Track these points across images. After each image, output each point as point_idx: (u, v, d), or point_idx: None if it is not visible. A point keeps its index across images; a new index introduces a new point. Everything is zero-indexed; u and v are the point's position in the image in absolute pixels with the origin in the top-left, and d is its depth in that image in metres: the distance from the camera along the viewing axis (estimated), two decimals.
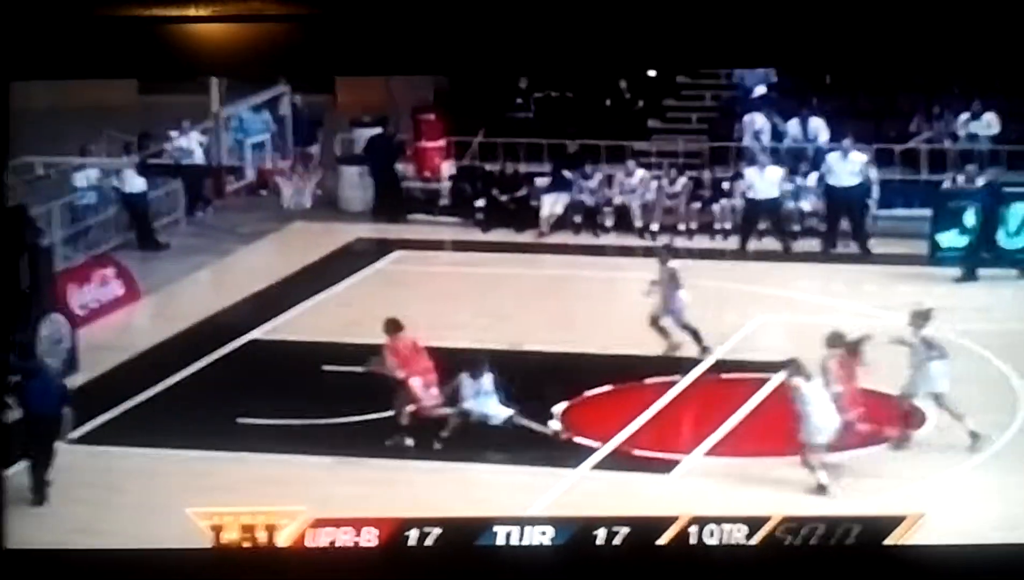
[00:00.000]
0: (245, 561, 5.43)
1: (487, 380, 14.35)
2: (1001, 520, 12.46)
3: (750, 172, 19.62)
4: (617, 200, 20.31)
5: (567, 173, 20.63)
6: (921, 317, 14.17)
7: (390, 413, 14.52)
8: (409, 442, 14.07)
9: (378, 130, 21.57)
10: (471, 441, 14.09)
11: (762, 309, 17.36)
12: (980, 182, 19.28)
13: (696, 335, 15.80)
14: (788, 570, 4.62)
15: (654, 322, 15.56)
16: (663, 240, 20.02)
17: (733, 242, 19.65)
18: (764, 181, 19.42)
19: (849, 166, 19.32)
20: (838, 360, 13.69)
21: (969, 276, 17.82)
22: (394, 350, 14.58)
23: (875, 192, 19.55)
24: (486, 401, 14.26)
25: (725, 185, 19.92)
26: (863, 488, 13.23)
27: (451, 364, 14.64)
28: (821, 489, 12.95)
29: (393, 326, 14.74)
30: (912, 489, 13.16)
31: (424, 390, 14.40)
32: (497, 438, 14.15)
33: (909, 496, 13.01)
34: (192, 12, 7.30)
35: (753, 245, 19.34)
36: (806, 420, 13.22)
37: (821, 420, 13.29)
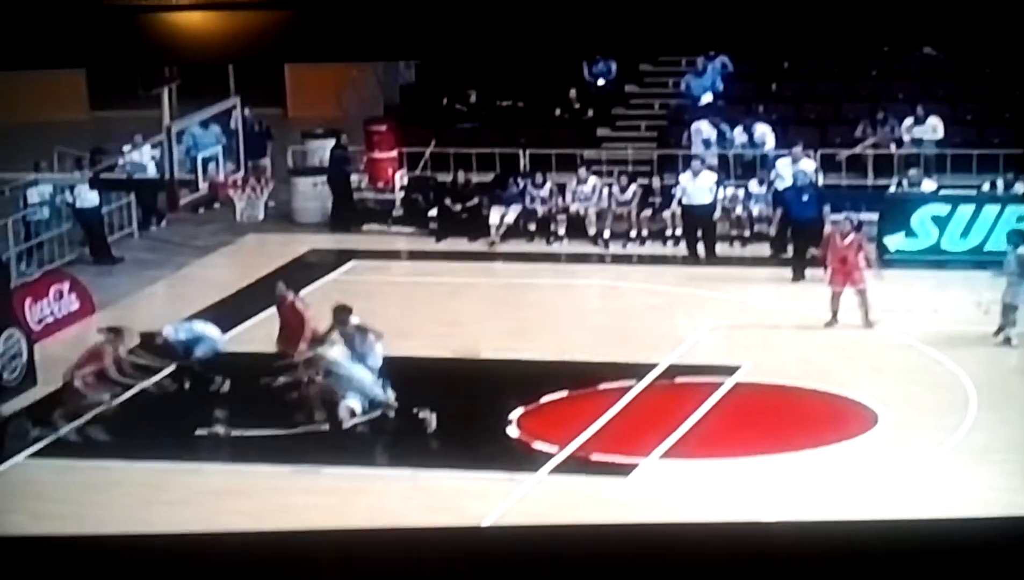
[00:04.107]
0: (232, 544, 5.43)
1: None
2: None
3: (684, 178, 19.85)
4: (572, 208, 20.48)
5: (517, 182, 20.78)
6: (343, 311, 15.07)
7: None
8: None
9: (333, 142, 21.64)
10: (422, 446, 14.17)
11: (714, 314, 17.57)
12: (925, 185, 19.63)
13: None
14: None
15: None
16: (615, 246, 20.23)
17: (684, 248, 19.87)
18: (696, 187, 19.62)
19: (800, 174, 19.52)
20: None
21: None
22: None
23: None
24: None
25: (675, 192, 20.13)
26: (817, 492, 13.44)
27: None
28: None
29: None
30: (868, 490, 13.38)
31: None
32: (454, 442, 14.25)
33: (865, 498, 13.23)
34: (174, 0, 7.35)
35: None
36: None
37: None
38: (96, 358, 14.66)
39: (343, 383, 14.41)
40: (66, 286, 17.96)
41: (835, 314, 16.76)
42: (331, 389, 14.43)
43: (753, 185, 20.15)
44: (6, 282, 16.70)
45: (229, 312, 17.58)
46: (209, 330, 15.54)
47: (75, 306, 17.89)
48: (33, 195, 19.79)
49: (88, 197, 19.72)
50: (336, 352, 14.57)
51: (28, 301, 17.27)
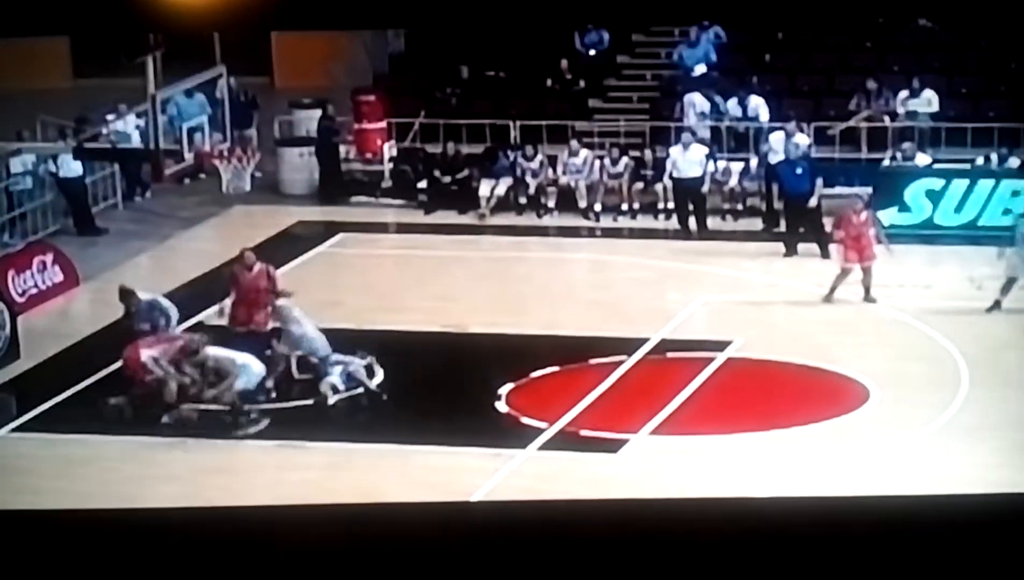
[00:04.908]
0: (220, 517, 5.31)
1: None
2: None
3: (674, 151, 19.63)
4: (562, 180, 20.28)
5: (507, 154, 20.57)
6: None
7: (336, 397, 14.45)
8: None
9: (320, 112, 21.37)
10: (410, 421, 14.02)
11: (705, 288, 17.43)
12: (919, 159, 19.46)
13: None
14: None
15: None
16: (606, 220, 20.05)
17: (675, 222, 19.68)
18: (687, 160, 19.42)
19: (792, 147, 19.35)
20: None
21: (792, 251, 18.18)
22: None
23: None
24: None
25: (666, 164, 19.91)
26: (810, 468, 13.33)
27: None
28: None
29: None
30: (859, 466, 13.28)
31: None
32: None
33: (856, 474, 13.13)
34: None
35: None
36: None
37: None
38: (183, 351, 14.31)
39: (231, 367, 14.03)
40: (49, 257, 17.76)
41: (834, 290, 16.63)
42: (220, 379, 14.03)
43: (754, 160, 19.95)
44: None
45: (212, 285, 17.37)
46: (173, 311, 15.23)
47: (59, 278, 17.69)
48: (16, 165, 19.53)
49: (71, 167, 19.47)
50: (213, 350, 14.16)
51: (11, 273, 17.06)
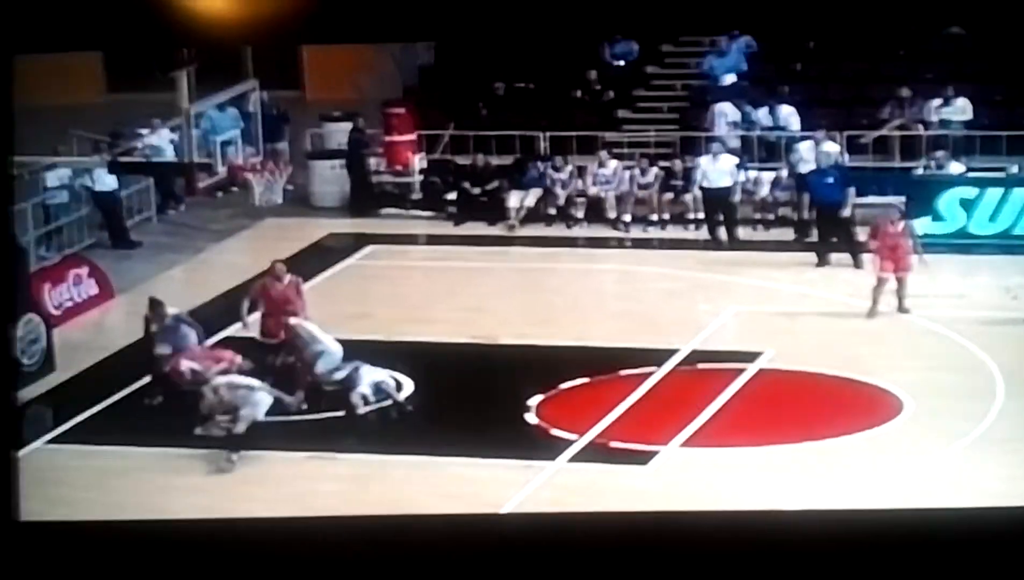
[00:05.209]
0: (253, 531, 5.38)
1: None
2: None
3: (704, 160, 19.61)
4: (591, 191, 20.30)
5: (537, 165, 20.60)
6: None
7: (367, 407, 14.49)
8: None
9: (351, 125, 21.49)
10: (440, 432, 14.05)
11: (736, 299, 17.39)
12: (953, 167, 19.37)
13: None
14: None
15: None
16: (636, 230, 20.05)
17: (706, 232, 19.66)
18: (716, 170, 19.39)
19: (822, 156, 19.30)
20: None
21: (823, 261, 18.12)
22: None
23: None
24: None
25: (695, 175, 19.91)
26: (844, 479, 13.27)
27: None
28: None
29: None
30: (891, 479, 13.21)
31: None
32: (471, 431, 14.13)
33: (888, 487, 13.06)
34: None
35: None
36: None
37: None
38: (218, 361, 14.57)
39: (241, 401, 14.02)
40: (85, 271, 17.92)
41: (876, 302, 16.53)
42: (234, 404, 14.01)
43: (784, 170, 19.91)
44: (25, 267, 16.64)
45: (243, 298, 17.45)
46: (198, 327, 15.25)
47: (94, 291, 17.85)
48: (52, 179, 19.74)
49: (106, 181, 19.67)
50: (226, 380, 14.16)
51: (47, 286, 17.23)
